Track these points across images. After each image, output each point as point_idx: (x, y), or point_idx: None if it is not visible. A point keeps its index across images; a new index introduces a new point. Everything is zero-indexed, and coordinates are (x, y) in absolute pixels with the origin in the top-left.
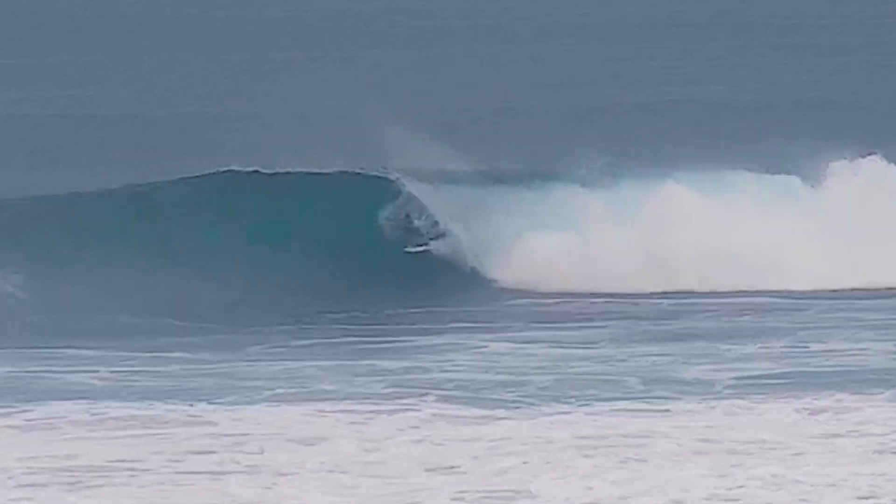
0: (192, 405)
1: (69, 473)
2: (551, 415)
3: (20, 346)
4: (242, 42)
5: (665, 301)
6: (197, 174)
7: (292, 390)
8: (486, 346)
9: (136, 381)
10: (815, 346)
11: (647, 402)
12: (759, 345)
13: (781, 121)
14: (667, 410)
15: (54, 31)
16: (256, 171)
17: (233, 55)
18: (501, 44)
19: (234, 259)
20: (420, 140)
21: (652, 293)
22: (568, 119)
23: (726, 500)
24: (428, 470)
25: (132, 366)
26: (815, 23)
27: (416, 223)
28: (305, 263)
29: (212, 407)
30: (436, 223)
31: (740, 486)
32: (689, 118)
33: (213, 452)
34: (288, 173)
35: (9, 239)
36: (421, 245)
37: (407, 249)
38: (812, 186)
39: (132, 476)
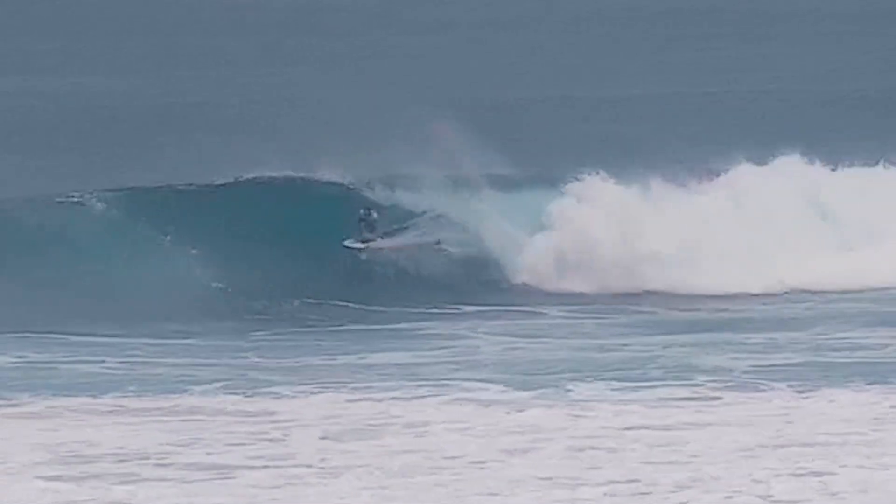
0: (216, 395)
1: (98, 464)
2: (584, 401)
3: (26, 333)
4: (265, 29)
5: (676, 297)
6: (215, 182)
7: (311, 380)
8: (496, 338)
9: (145, 371)
10: (835, 340)
11: (692, 391)
12: (787, 337)
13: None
14: (716, 398)
15: (81, 19)
16: (265, 176)
17: (260, 42)
18: (534, 35)
19: (239, 257)
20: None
21: (659, 291)
22: (595, 112)
23: (798, 491)
24: (474, 462)
25: (138, 356)
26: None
27: (373, 219)
28: (308, 263)
29: (234, 398)
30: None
31: (804, 473)
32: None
33: (247, 444)
34: (293, 179)
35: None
36: (366, 241)
37: (345, 244)
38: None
39: (163, 467)
